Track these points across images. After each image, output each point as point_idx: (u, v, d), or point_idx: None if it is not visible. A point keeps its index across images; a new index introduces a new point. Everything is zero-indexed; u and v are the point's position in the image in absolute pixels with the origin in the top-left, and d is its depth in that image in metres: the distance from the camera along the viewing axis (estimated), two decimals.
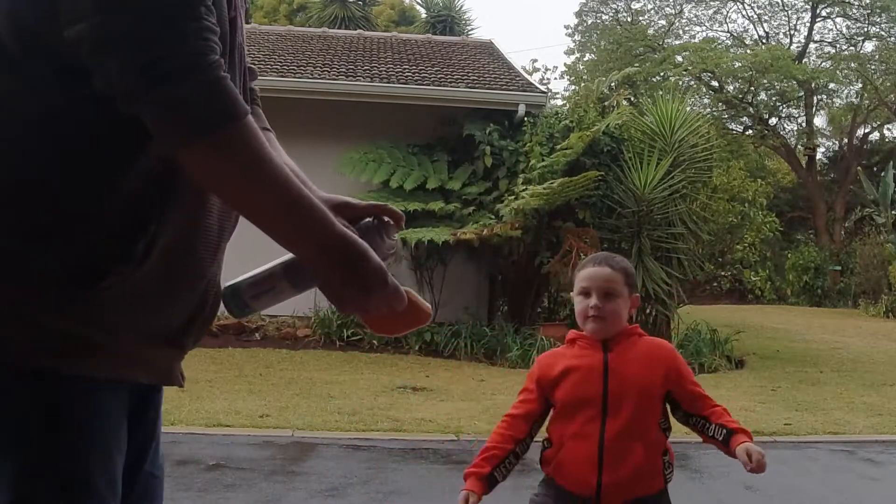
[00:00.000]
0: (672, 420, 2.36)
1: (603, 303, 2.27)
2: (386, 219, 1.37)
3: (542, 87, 11.21)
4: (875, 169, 21.64)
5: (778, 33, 24.56)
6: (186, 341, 1.33)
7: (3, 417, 1.19)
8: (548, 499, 2.39)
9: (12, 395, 1.19)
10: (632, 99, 12.36)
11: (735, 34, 25.01)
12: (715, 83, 22.88)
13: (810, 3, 23.07)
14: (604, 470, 2.24)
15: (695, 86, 22.99)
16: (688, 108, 11.55)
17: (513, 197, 8.87)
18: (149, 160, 1.18)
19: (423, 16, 22.04)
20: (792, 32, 24.26)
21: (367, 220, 1.35)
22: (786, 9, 23.96)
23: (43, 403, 1.19)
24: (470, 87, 10.13)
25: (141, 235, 1.18)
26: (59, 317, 1.17)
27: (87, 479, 1.23)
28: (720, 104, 22.98)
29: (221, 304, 1.37)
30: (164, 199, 1.20)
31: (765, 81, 21.74)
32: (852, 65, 21.63)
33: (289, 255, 1.26)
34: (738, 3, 24.35)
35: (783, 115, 24.18)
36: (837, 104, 23.64)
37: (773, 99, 23.28)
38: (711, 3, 24.34)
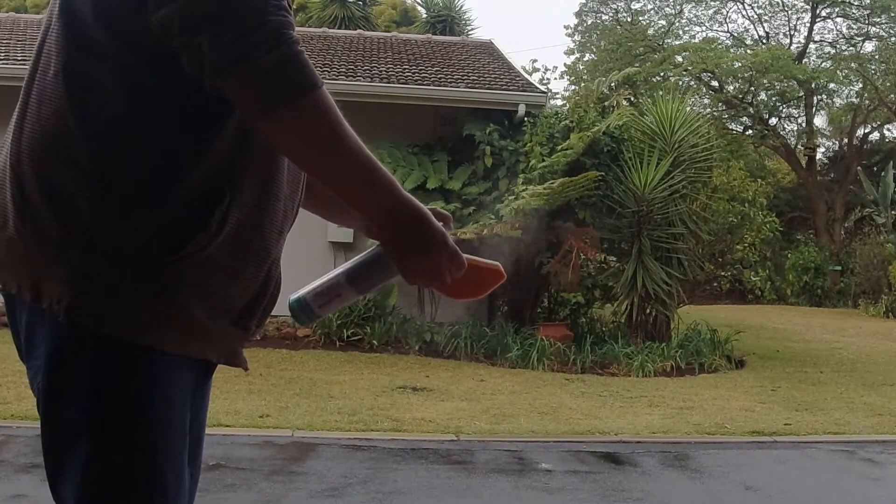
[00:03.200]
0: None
1: None
2: None
3: (542, 87, 11.21)
4: (875, 169, 21.62)
5: (778, 33, 24.56)
6: (251, 323, 1.39)
7: (79, 391, 1.23)
8: None
9: (88, 367, 1.23)
10: (632, 99, 12.34)
11: (735, 34, 25.01)
12: (715, 83, 22.87)
13: (810, 4, 23.05)
14: None
15: (695, 86, 22.96)
16: (688, 108, 11.53)
17: (513, 197, 8.87)
18: (227, 137, 1.26)
19: (424, 16, 22.02)
20: (792, 32, 24.27)
21: None
22: (786, 9, 23.95)
23: (116, 375, 1.24)
24: (470, 87, 10.12)
25: (217, 206, 1.25)
26: (139, 287, 1.23)
27: (156, 467, 1.27)
28: (720, 104, 22.96)
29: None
30: (238, 175, 1.28)
31: (765, 81, 21.71)
32: (852, 65, 21.60)
33: (348, 264, 1.37)
34: (738, 3, 24.36)
35: (783, 115, 24.17)
36: (837, 104, 23.62)
37: (773, 99, 23.26)
38: (711, 3, 24.33)
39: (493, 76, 10.73)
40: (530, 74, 11.87)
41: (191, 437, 1.37)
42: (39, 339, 1.25)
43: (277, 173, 1.33)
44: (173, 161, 1.23)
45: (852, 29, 23.26)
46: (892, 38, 22.23)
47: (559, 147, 9.04)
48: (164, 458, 1.27)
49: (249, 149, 1.28)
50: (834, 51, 23.41)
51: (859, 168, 20.94)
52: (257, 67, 1.16)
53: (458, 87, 10.15)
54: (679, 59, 22.19)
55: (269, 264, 1.37)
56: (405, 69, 10.83)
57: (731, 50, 23.28)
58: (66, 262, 1.21)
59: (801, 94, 22.79)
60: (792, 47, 23.26)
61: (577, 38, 25.34)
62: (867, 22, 22.70)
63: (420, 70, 10.82)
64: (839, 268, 18.61)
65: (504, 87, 10.24)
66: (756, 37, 24.78)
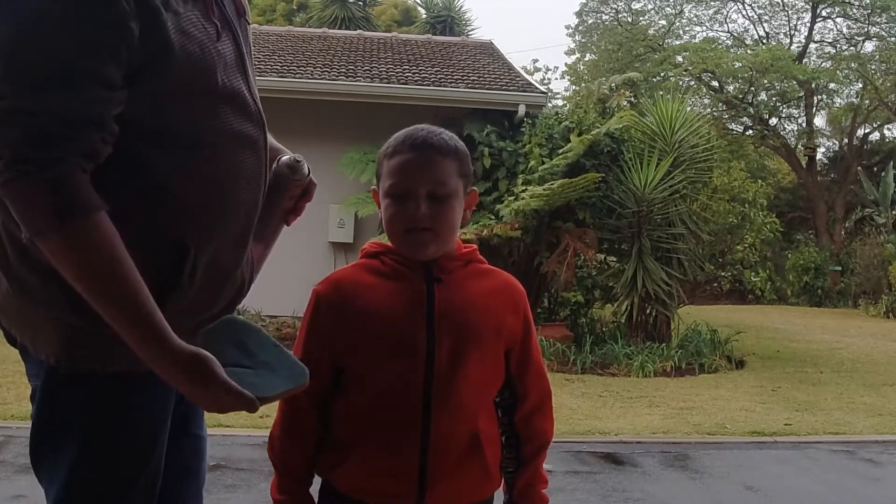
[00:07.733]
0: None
1: (431, 207, 1.47)
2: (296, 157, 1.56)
3: (543, 88, 11.20)
4: (875, 169, 21.61)
5: (778, 33, 24.56)
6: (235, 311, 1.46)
7: (72, 412, 1.29)
8: None
9: (78, 398, 1.29)
10: (632, 100, 12.33)
11: (735, 34, 25.02)
12: (715, 83, 22.87)
13: (810, 3, 23.05)
14: (430, 475, 1.43)
15: (695, 86, 22.97)
16: (688, 109, 11.54)
17: (512, 197, 8.86)
18: (170, 191, 1.26)
19: (424, 16, 22.02)
20: (792, 32, 24.27)
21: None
22: (786, 9, 23.95)
23: (105, 402, 1.30)
24: (470, 88, 10.12)
25: (184, 262, 1.27)
26: None
27: (133, 475, 1.33)
28: (720, 104, 22.96)
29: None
30: (194, 218, 1.29)
31: (765, 81, 21.71)
32: (852, 65, 21.61)
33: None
34: (738, 3, 24.36)
35: (783, 116, 24.16)
36: (837, 104, 23.61)
37: (774, 99, 23.25)
38: (712, 3, 24.33)
39: (493, 76, 10.73)
40: (531, 74, 11.91)
41: (188, 409, 1.45)
42: (34, 360, 1.32)
43: (230, 197, 1.33)
44: (124, 225, 1.20)
45: (852, 29, 23.26)
46: (892, 38, 22.23)
47: (560, 151, 9.02)
48: (139, 467, 1.34)
49: (196, 191, 1.27)
50: (834, 51, 23.42)
51: (859, 168, 20.94)
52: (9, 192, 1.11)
53: (458, 87, 10.14)
54: (679, 59, 22.20)
55: (241, 270, 1.43)
56: (405, 69, 10.83)
57: (731, 50, 23.27)
58: (57, 321, 1.25)
59: (801, 94, 22.79)
60: (792, 47, 23.26)
61: (577, 38, 25.34)
62: (867, 22, 22.69)
63: (420, 70, 10.82)
64: (839, 268, 18.59)
65: (504, 87, 10.24)
66: (756, 37, 24.80)
